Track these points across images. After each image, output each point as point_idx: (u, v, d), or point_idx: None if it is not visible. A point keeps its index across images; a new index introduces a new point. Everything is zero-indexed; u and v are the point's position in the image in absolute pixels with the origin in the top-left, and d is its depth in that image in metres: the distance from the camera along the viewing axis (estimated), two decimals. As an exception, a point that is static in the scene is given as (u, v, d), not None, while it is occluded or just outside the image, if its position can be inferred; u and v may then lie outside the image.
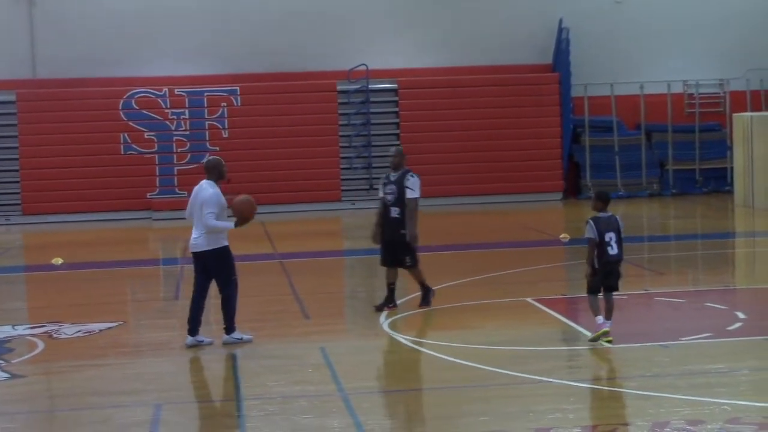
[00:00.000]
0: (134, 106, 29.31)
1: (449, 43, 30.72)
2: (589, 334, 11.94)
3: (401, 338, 12.30)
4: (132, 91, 29.32)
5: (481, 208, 28.79)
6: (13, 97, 29.12)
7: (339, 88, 30.14)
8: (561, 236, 21.04)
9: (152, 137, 29.40)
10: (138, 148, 29.30)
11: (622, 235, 11.72)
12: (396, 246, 13.90)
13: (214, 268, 12.29)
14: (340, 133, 30.07)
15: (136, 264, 20.36)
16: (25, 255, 24.21)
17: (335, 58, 30.10)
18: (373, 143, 30.10)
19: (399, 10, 30.66)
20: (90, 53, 29.44)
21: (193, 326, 12.35)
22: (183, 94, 29.56)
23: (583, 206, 29.07)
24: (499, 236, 22.70)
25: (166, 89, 29.46)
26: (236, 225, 12.27)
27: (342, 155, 29.97)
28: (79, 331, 13.35)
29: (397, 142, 30.14)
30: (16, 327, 13.78)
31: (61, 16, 29.52)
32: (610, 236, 11.59)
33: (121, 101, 29.25)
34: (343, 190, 29.83)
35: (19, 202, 29.02)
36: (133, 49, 29.69)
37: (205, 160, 12.84)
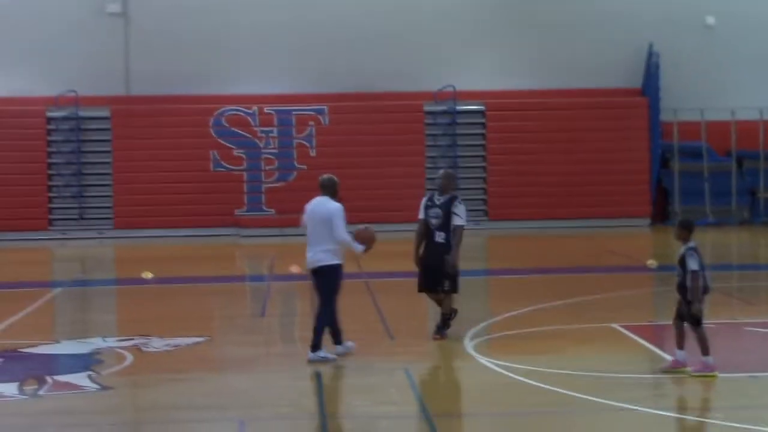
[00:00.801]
0: (224, 123, 29.71)
1: (537, 65, 30.62)
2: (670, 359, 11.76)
3: (485, 361, 12.26)
4: (222, 109, 29.72)
5: (567, 232, 28.60)
6: (107, 113, 29.70)
7: (426, 109, 30.22)
8: (648, 262, 20.81)
9: (241, 155, 29.76)
10: (227, 165, 29.67)
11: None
12: (438, 271, 13.55)
13: (323, 282, 12.45)
14: (427, 154, 30.13)
15: (223, 280, 20.59)
16: (117, 268, 24.64)
17: (423, 79, 30.19)
18: (460, 165, 30.09)
19: (487, 31, 30.65)
20: (182, 70, 29.92)
21: (337, 337, 12.58)
22: (272, 112, 29.88)
23: (670, 232, 28.70)
24: (585, 261, 22.53)
25: (256, 107, 29.81)
26: (363, 251, 12.48)
27: (428, 176, 29.98)
28: (167, 345, 13.53)
29: (483, 164, 30.13)
30: (106, 339, 14.02)
31: (155, 34, 30.05)
32: (705, 266, 11.41)
33: (212, 118, 29.67)
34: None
35: (111, 216, 29.55)
36: (224, 66, 30.11)
37: (320, 177, 12.86)
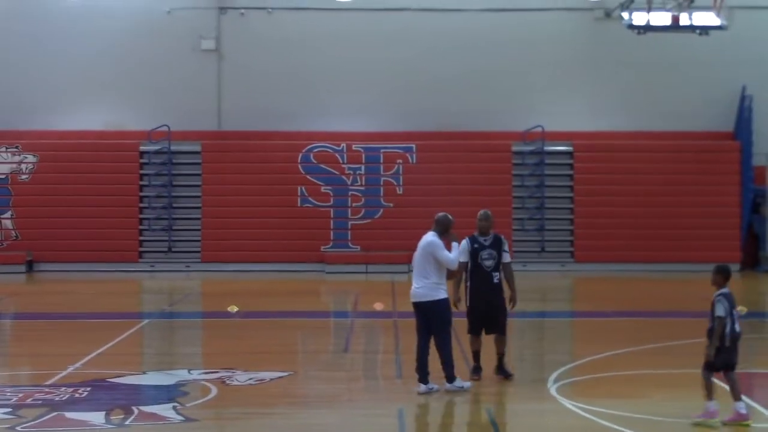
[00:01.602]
0: (312, 159, 29.97)
1: (627, 106, 30.43)
2: (766, 411, 11.54)
3: (569, 404, 12.13)
4: (311, 145, 30.00)
5: (655, 276, 28.24)
6: (198, 148, 30.17)
7: (514, 149, 30.17)
8: (738, 308, 20.40)
9: (328, 191, 29.97)
10: (314, 201, 29.91)
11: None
12: (498, 312, 13.49)
13: (433, 317, 12.62)
14: (514, 194, 30.05)
15: (308, 315, 20.69)
16: (203, 301, 24.91)
17: (511, 119, 30.18)
18: (546, 205, 29.96)
19: (576, 71, 30.57)
20: (272, 106, 30.31)
21: (422, 374, 12.70)
22: (360, 149, 30.08)
23: (761, 279, 28.22)
24: (673, 305, 22.20)
25: (344, 144, 30.03)
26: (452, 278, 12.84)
27: (514, 216, 29.91)
28: (251, 378, 13.62)
29: (571, 205, 29.93)
30: (191, 371, 14.16)
31: (246, 70, 30.50)
32: (735, 312, 11.39)
33: (300, 154, 29.96)
34: (515, 251, 29.70)
35: (199, 249, 29.93)
36: (313, 103, 30.43)
37: (436, 215, 13.10)
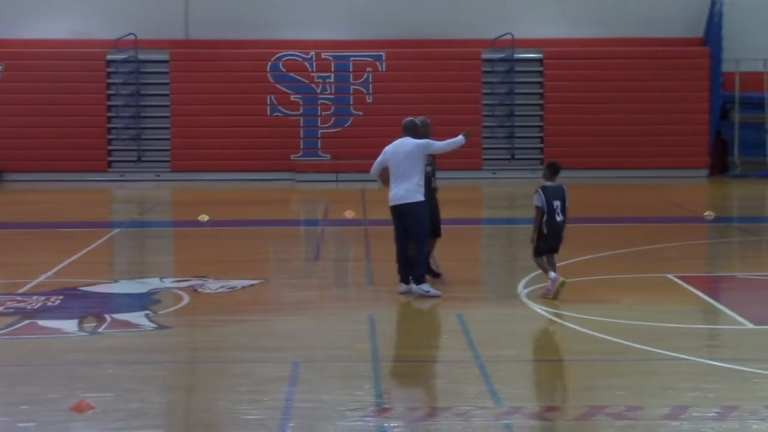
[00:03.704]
0: (281, 68, 29.75)
1: (597, 13, 30.26)
2: (732, 312, 11.75)
3: (538, 309, 12.29)
4: (280, 54, 29.75)
5: (624, 182, 28.41)
6: (166, 57, 29.87)
7: (483, 56, 30.04)
8: (705, 214, 20.63)
9: (298, 100, 29.82)
10: (284, 110, 29.77)
11: (567, 204, 12.72)
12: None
13: (412, 219, 12.74)
14: (484, 102, 30.00)
15: (279, 224, 20.74)
16: (173, 211, 24.90)
17: (481, 27, 29.97)
18: (516, 113, 29.94)
19: (547, -21, 30.33)
20: (241, 15, 29.95)
21: (404, 275, 12.90)
22: (329, 58, 29.86)
23: (729, 184, 28.45)
24: (642, 211, 22.39)
25: (313, 53, 29.80)
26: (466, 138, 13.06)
27: (485, 124, 29.90)
28: (223, 286, 13.69)
29: (541, 113, 29.92)
30: (163, 280, 14.21)
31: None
32: (556, 204, 12.63)
33: (269, 63, 29.72)
34: (484, 159, 29.77)
35: (168, 159, 29.81)
36: (282, 11, 30.08)
37: (403, 120, 13.19)
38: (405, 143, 12.89)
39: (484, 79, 30.04)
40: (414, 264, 12.87)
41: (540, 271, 13.01)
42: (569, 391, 9.22)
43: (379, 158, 13.10)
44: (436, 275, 13.74)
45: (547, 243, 12.69)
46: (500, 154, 29.88)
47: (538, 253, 12.75)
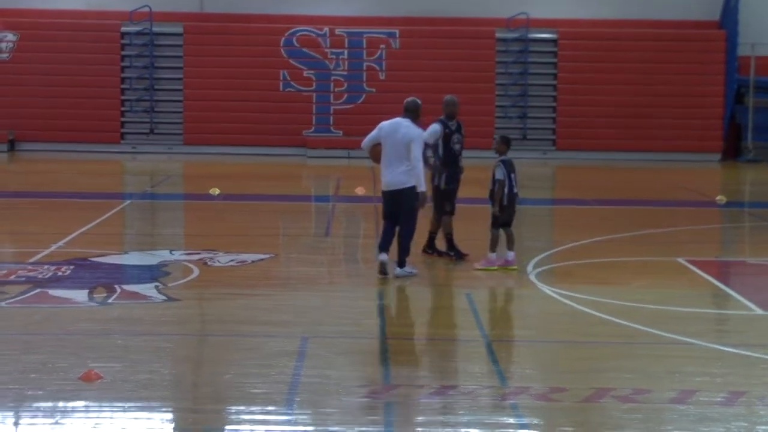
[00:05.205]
0: (295, 44, 29.71)
1: (613, -6, 30.16)
2: (741, 298, 11.75)
3: (548, 290, 12.29)
4: (294, 29, 29.71)
5: (637, 164, 28.36)
6: (180, 29, 29.85)
7: (498, 36, 29.96)
8: (717, 198, 20.58)
9: (311, 75, 29.79)
10: (296, 86, 29.74)
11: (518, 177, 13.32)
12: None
13: (405, 203, 12.56)
14: (497, 82, 29.95)
15: (289, 199, 20.76)
16: (185, 184, 24.94)
17: (495, 6, 29.90)
18: (530, 93, 29.87)
19: (564, -41, 30.20)
20: (256, -11, 29.90)
21: (384, 247, 12.68)
22: (343, 34, 29.81)
23: (742, 169, 28.38)
24: (654, 194, 22.36)
25: (327, 29, 29.75)
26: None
27: (498, 104, 29.85)
28: (233, 260, 13.71)
29: (554, 93, 29.85)
30: (173, 252, 14.24)
31: (229, -48, 30.01)
32: (513, 177, 13.15)
33: (283, 39, 29.69)
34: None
35: (181, 132, 29.84)
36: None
37: (405, 100, 12.92)
38: (406, 127, 12.56)
39: (498, 59, 29.97)
40: (400, 247, 12.67)
41: (547, 253, 13.04)
42: (576, 372, 9.23)
43: (373, 133, 12.77)
44: (462, 256, 13.71)
45: (506, 214, 13.18)
46: (512, 134, 29.68)
47: (496, 224, 13.21)
